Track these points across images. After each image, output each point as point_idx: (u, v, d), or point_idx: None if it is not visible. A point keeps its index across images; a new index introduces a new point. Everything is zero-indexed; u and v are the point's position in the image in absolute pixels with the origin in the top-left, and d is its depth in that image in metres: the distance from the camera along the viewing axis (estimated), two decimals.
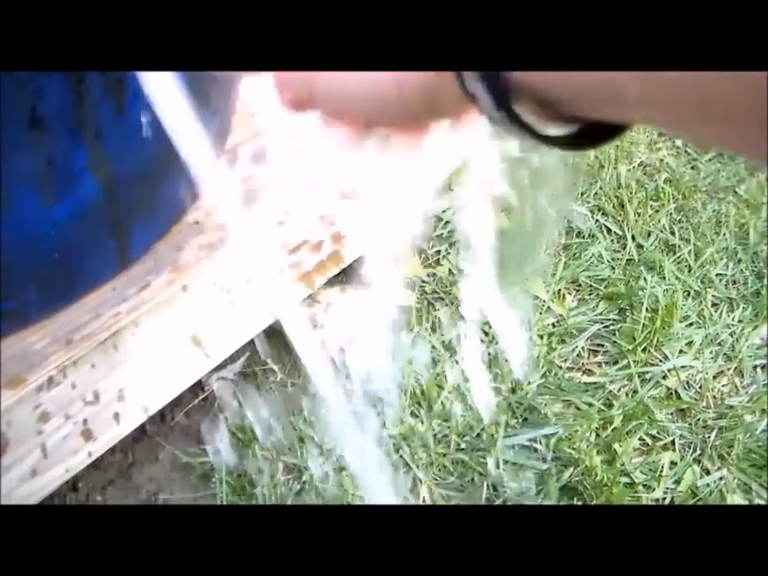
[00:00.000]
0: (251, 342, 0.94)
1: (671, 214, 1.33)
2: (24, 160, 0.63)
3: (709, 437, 1.02)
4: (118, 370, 0.79)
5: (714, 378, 1.10)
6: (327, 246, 0.96)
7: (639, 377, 1.07)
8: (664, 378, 1.08)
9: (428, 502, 0.92)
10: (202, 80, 0.73)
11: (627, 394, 1.05)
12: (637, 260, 1.23)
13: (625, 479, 0.96)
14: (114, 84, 0.67)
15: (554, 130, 0.33)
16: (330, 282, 1.04)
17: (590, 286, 1.18)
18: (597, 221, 1.29)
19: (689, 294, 1.20)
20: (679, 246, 1.27)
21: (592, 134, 0.33)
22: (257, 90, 1.04)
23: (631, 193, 1.34)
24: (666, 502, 0.96)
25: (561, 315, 1.12)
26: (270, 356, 1.00)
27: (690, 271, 1.23)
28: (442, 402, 0.99)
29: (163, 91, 0.64)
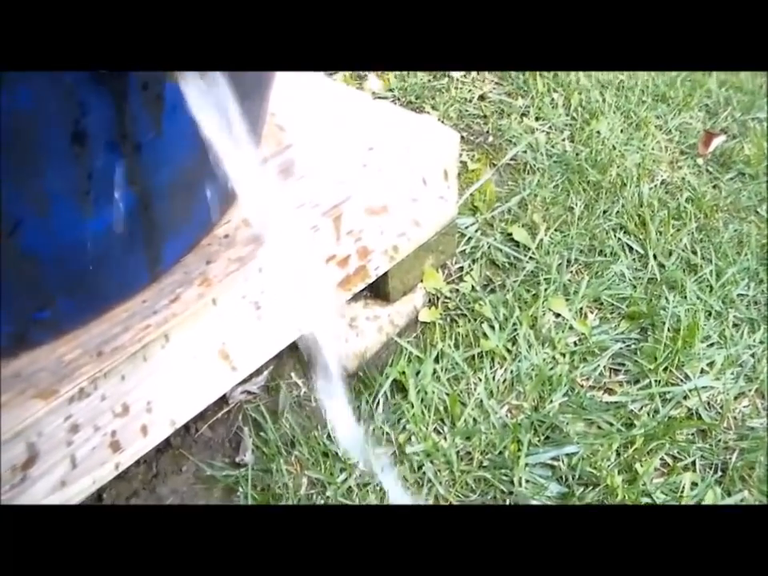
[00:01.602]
0: (275, 356, 0.94)
1: (693, 233, 1.33)
2: (65, 173, 0.64)
3: (730, 458, 1.02)
4: (146, 382, 0.80)
5: (735, 399, 1.09)
6: (353, 261, 0.97)
7: (660, 397, 1.07)
8: (685, 398, 1.08)
9: None
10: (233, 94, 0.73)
11: (648, 414, 1.05)
12: (658, 279, 1.23)
13: (646, 499, 0.96)
14: (153, 98, 0.67)
15: None
16: (355, 297, 1.05)
17: (612, 304, 1.18)
18: (619, 239, 1.29)
19: (710, 314, 1.19)
20: (701, 266, 1.27)
21: None
22: (288, 104, 1.05)
23: (653, 211, 1.34)
24: None
25: (583, 334, 1.12)
26: (294, 369, 1.01)
27: (711, 291, 1.23)
28: (465, 420, 1.00)
29: (204, 103, 0.65)
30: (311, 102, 1.09)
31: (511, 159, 1.40)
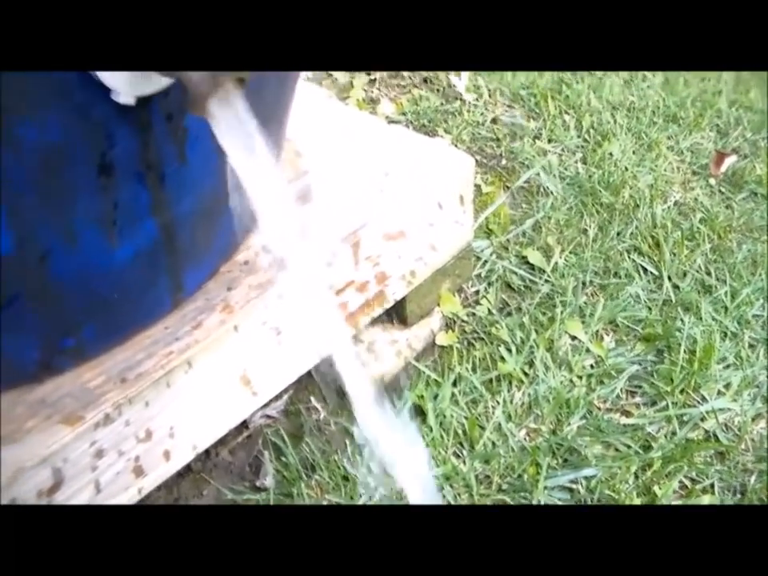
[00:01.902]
0: (295, 380, 0.95)
1: (706, 254, 1.33)
2: (92, 204, 0.65)
3: (749, 480, 1.02)
4: (170, 408, 0.80)
5: (753, 420, 1.09)
6: (372, 287, 0.97)
7: (677, 419, 1.07)
8: (702, 420, 1.08)
9: None
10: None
11: (666, 436, 1.05)
12: (673, 300, 1.24)
13: None
14: (177, 128, 0.69)
15: None
16: (373, 321, 1.06)
17: (628, 326, 1.19)
18: (633, 261, 1.29)
19: (726, 336, 1.20)
20: (715, 287, 1.27)
21: None
22: (304, 130, 1.06)
23: (666, 233, 1.35)
24: None
25: (599, 356, 1.13)
26: (313, 394, 1.01)
27: (726, 312, 1.23)
28: (483, 443, 1.00)
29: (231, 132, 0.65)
30: (327, 128, 1.10)
31: (524, 182, 1.41)
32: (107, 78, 0.59)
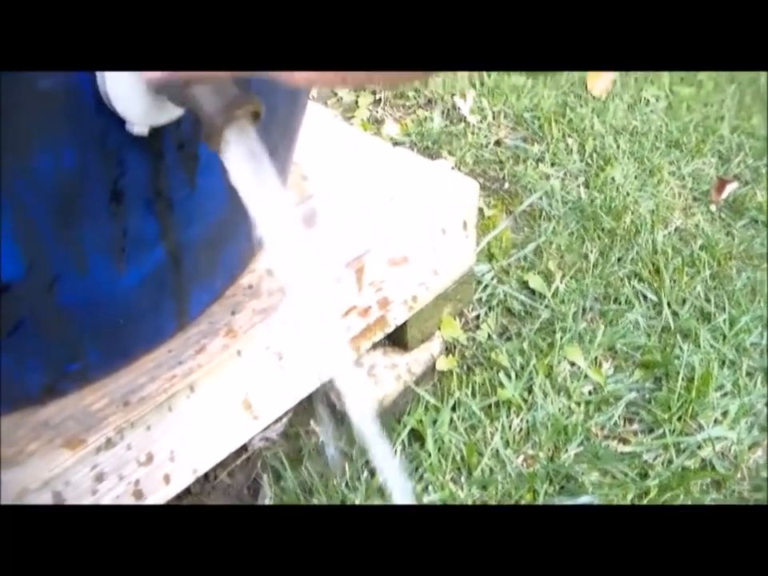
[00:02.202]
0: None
1: (706, 281, 1.34)
2: (102, 231, 0.66)
3: None
4: (171, 432, 0.81)
5: (749, 449, 1.10)
6: (374, 312, 0.98)
7: (674, 447, 1.08)
8: (699, 448, 1.09)
9: None
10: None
11: (662, 464, 1.05)
12: (672, 327, 1.24)
13: None
14: (189, 156, 0.69)
15: None
16: (373, 345, 1.06)
17: (627, 353, 1.19)
18: (633, 287, 1.30)
19: (724, 363, 1.20)
20: (714, 314, 1.27)
21: None
22: (309, 153, 1.07)
23: (667, 259, 1.36)
24: None
25: (598, 383, 1.13)
26: (313, 417, 1.02)
27: (724, 340, 1.24)
28: (481, 469, 1.00)
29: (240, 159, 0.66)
30: (332, 150, 1.11)
31: (527, 206, 1.42)
32: (122, 108, 0.60)
